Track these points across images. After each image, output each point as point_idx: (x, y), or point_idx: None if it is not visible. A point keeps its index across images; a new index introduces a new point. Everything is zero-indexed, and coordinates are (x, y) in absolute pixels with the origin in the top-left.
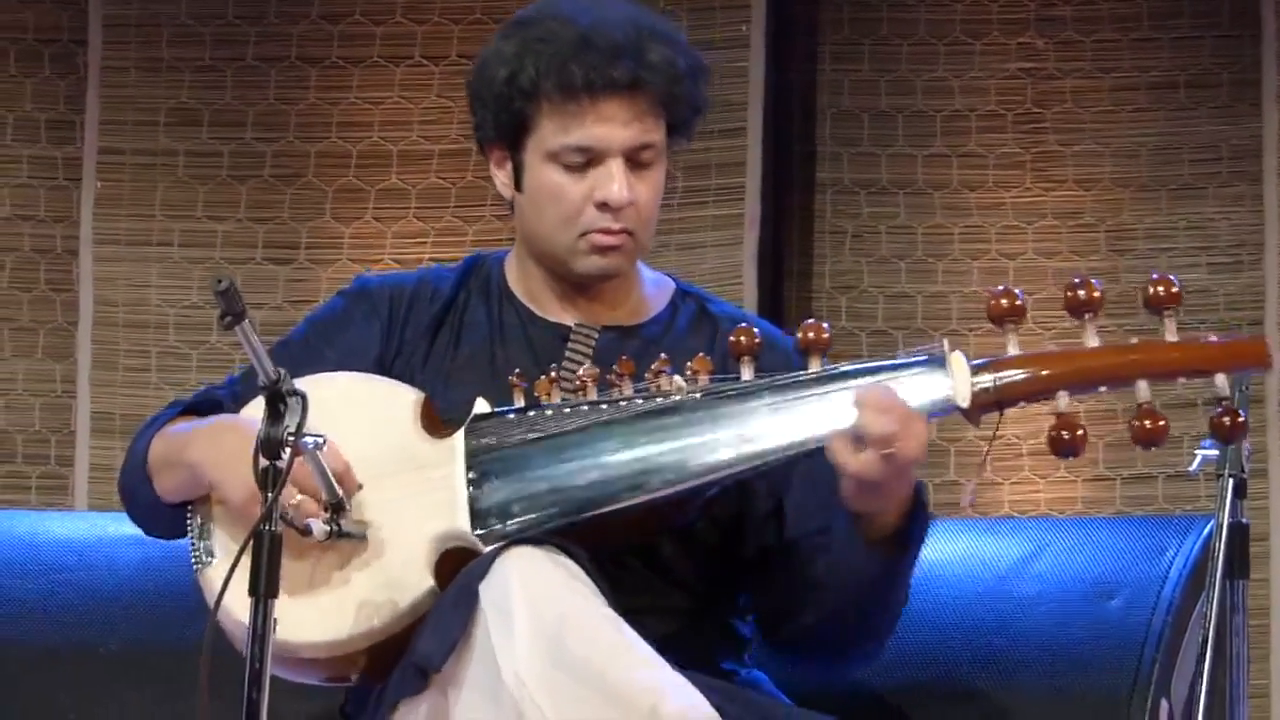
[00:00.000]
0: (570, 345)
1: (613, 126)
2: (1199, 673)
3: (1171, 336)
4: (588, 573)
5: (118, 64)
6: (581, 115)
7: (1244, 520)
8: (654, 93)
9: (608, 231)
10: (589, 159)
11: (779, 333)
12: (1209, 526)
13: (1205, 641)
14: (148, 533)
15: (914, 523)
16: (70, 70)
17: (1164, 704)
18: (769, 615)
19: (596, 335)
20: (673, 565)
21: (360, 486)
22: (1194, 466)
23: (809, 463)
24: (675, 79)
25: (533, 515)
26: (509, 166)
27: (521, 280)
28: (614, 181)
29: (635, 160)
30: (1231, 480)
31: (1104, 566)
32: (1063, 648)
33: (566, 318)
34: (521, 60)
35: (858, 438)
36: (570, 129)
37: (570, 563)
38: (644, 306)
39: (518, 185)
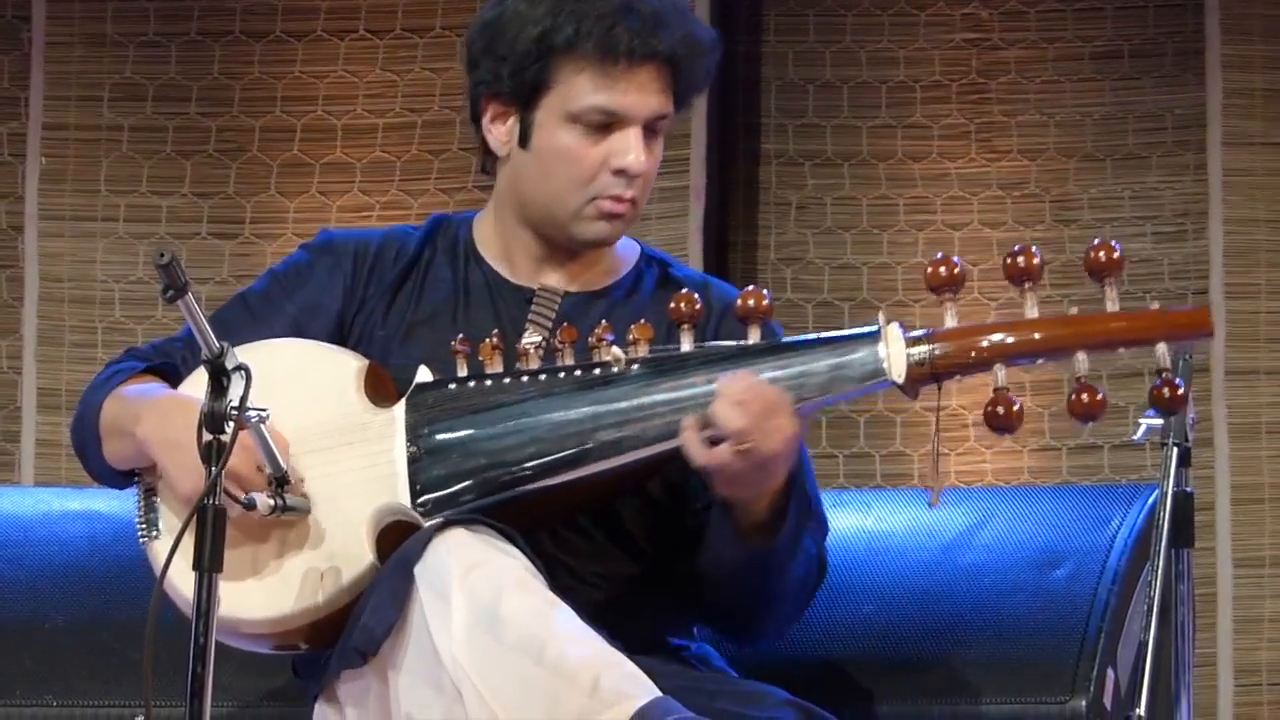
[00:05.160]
0: (534, 308)
1: (643, 95)
2: (1144, 642)
3: (1113, 304)
4: (524, 552)
5: (62, 39)
6: (615, 79)
7: (1188, 489)
8: (682, 66)
9: (618, 199)
10: (610, 123)
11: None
12: (1154, 495)
13: (1150, 610)
14: (100, 484)
15: (784, 512)
16: (14, 46)
17: (1110, 673)
18: (682, 589)
19: (560, 299)
20: (630, 529)
21: (303, 480)
22: (1138, 435)
23: None
24: (703, 54)
25: (472, 489)
26: (511, 123)
27: (496, 240)
28: (633, 148)
29: (650, 130)
30: (1176, 449)
31: (1049, 536)
32: (1008, 617)
33: (534, 281)
34: (557, 18)
35: (711, 428)
36: (600, 91)
37: (506, 543)
38: (611, 270)
39: (524, 143)
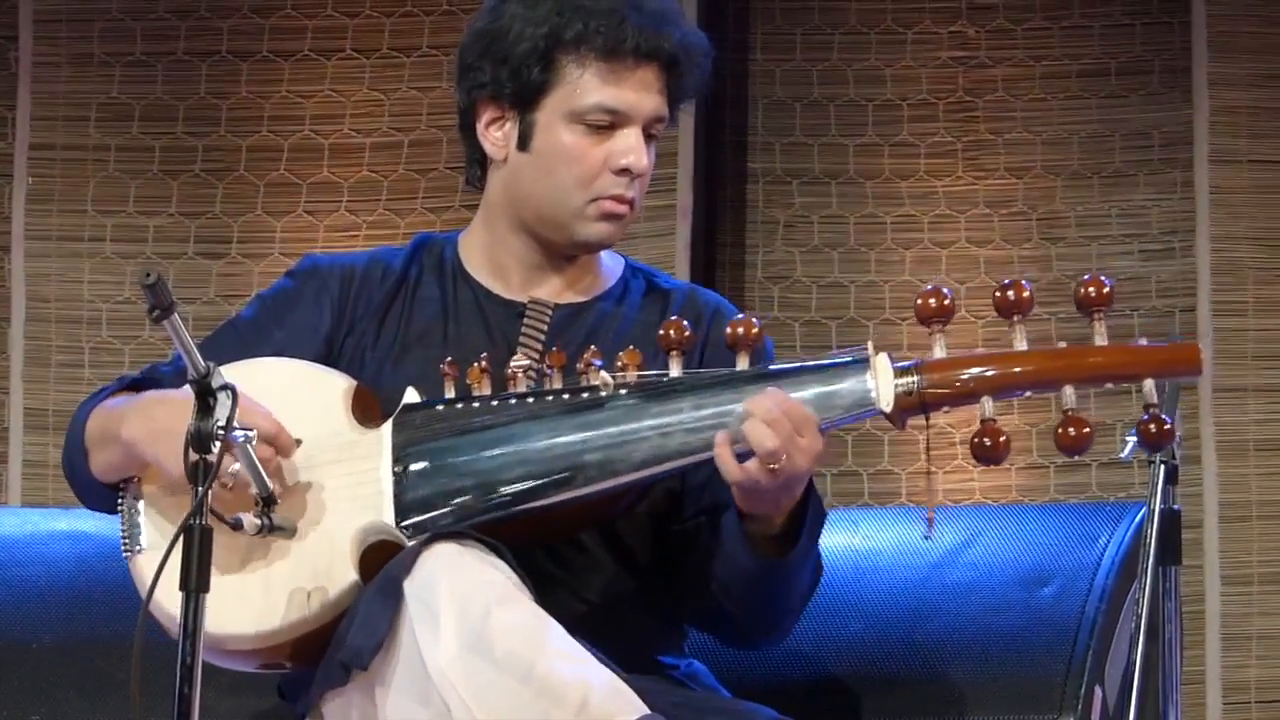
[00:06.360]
0: (525, 322)
1: (647, 94)
2: (1132, 660)
3: (1101, 339)
4: (513, 568)
5: (49, 59)
6: (621, 77)
7: (1175, 507)
8: (683, 68)
9: (620, 199)
10: (612, 122)
11: (731, 307)
12: (1141, 513)
13: (1138, 628)
14: (89, 507)
15: (801, 524)
16: (1, 66)
17: (1098, 691)
18: (678, 591)
19: (550, 312)
20: (626, 542)
21: (299, 442)
22: (1125, 453)
23: None
24: (702, 58)
25: (458, 510)
26: (509, 127)
27: (485, 254)
28: (635, 148)
29: (646, 133)
30: (1163, 467)
31: (1037, 554)
32: (997, 636)
33: (523, 294)
34: (563, 15)
35: (742, 445)
36: (605, 88)
37: (495, 558)
38: (599, 282)
39: (523, 145)
